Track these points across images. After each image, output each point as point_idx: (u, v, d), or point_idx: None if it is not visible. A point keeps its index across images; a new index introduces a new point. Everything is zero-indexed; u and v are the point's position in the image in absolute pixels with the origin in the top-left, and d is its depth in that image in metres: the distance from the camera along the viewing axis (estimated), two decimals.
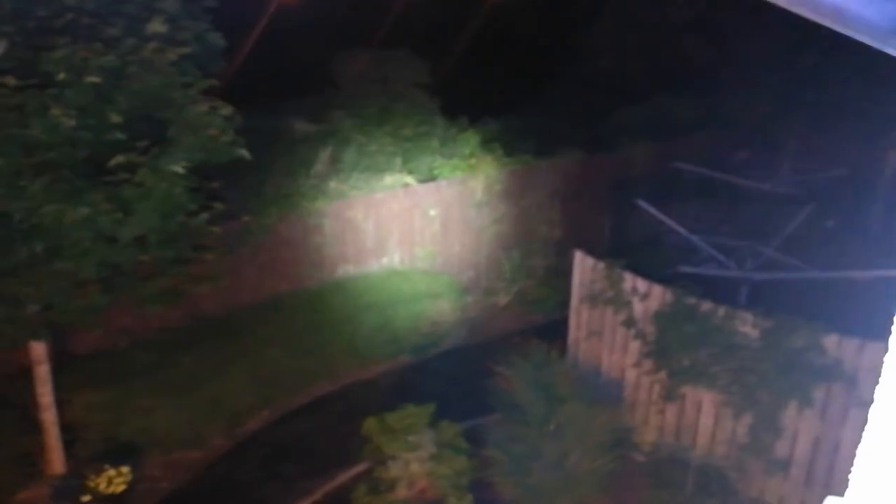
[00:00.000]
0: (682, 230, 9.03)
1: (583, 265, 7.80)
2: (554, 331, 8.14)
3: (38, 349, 6.60)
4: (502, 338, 9.15)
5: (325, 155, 10.59)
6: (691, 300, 6.83)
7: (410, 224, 10.90)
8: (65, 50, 6.16)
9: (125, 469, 6.40)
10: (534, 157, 11.70)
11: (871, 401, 1.24)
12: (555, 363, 7.20)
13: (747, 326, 6.52)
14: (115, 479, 6.29)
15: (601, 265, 7.58)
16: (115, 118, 6.31)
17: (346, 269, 10.37)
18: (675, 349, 6.84)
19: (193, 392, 7.69)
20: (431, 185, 11.02)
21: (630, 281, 7.32)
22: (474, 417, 7.23)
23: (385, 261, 10.74)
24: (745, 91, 13.00)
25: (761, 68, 13.00)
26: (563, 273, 8.51)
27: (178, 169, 6.38)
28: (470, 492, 6.40)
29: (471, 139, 11.43)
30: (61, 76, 6.07)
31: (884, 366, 1.21)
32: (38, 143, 5.91)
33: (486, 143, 11.48)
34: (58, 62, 6.11)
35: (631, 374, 7.50)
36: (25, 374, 6.69)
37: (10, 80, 5.82)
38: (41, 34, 6.23)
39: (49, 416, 6.64)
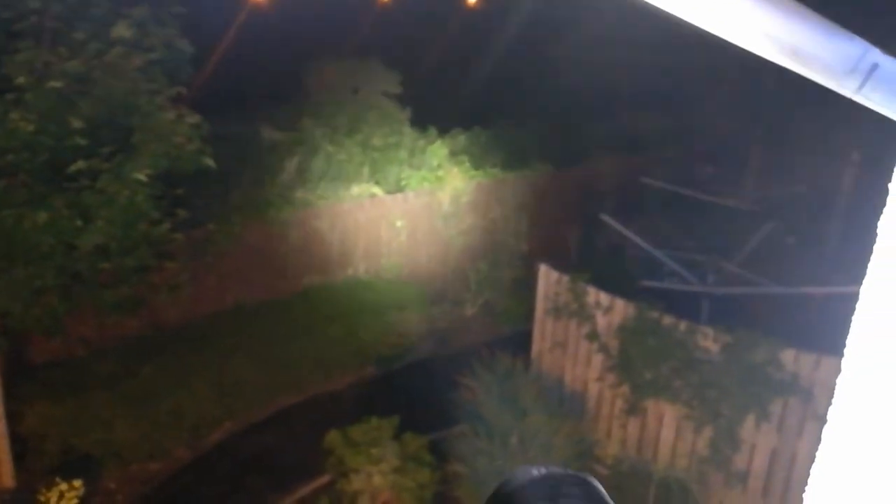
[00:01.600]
0: (645, 244, 9.15)
1: (547, 278, 7.86)
2: (520, 343, 8.18)
3: None
4: (469, 349, 9.15)
5: (292, 163, 10.55)
6: (654, 314, 6.91)
7: (377, 235, 10.88)
8: (27, 54, 6.07)
9: (77, 483, 6.24)
10: (502, 169, 11.78)
11: (826, 415, 1.28)
12: (519, 375, 7.23)
13: (708, 341, 6.63)
14: (66, 494, 6.14)
15: (565, 278, 7.65)
16: (77, 123, 6.23)
17: (312, 279, 10.31)
18: (637, 363, 6.92)
19: (154, 403, 7.56)
20: (399, 196, 11.02)
21: (593, 294, 7.39)
22: (439, 430, 7.22)
23: (351, 271, 10.70)
24: (710, 108, 13.27)
25: (725, 86, 13.28)
26: (529, 285, 8.56)
27: (142, 177, 6.31)
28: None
29: (439, 151, 11.47)
30: (21, 80, 5.97)
31: (837, 382, 1.26)
32: None
33: (455, 155, 11.53)
34: (19, 66, 6.01)
35: (594, 388, 7.56)
36: None
37: None
38: (2, 37, 6.13)
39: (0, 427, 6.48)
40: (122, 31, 6.60)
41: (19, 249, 5.83)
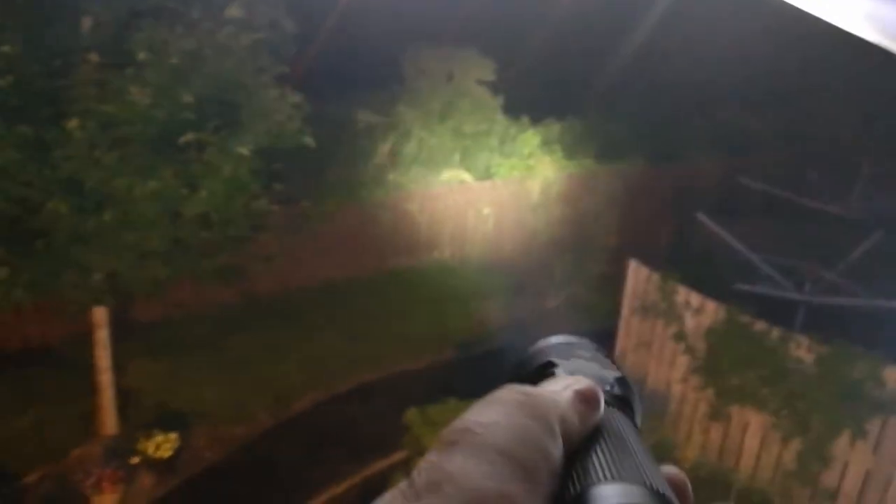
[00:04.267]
0: (740, 247, 8.83)
1: (637, 275, 7.71)
2: (602, 339, 8.05)
3: (100, 314, 6.87)
4: None
5: (386, 147, 10.72)
6: (745, 318, 6.68)
7: (464, 221, 10.93)
8: (147, 31, 6.39)
9: (173, 436, 6.62)
10: (594, 161, 11.59)
11: None
12: None
13: (802, 350, 6.35)
14: (163, 445, 6.52)
15: (655, 276, 7.48)
16: (188, 98, 6.52)
17: (399, 261, 10.47)
18: (724, 367, 6.71)
19: (243, 369, 7.90)
20: (487, 183, 11.03)
21: (683, 294, 7.20)
22: None
23: (437, 255, 10.80)
24: (820, 110, 12.61)
25: (840, 87, 12.57)
26: (615, 281, 8.42)
27: (245, 151, 6.56)
28: None
29: (531, 140, 11.39)
30: (142, 56, 6.30)
31: None
32: (114, 118, 6.15)
33: (546, 145, 11.42)
34: (139, 42, 6.34)
35: (677, 389, 7.38)
36: (88, 337, 6.97)
37: (94, 58, 6.07)
38: (126, 15, 6.47)
39: (105, 379, 6.91)
40: (234, 11, 6.86)
41: (130, 215, 6.18)
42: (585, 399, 0.40)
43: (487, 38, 12.56)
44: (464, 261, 10.87)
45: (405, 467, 6.69)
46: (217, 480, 6.98)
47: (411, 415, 6.68)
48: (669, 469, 0.41)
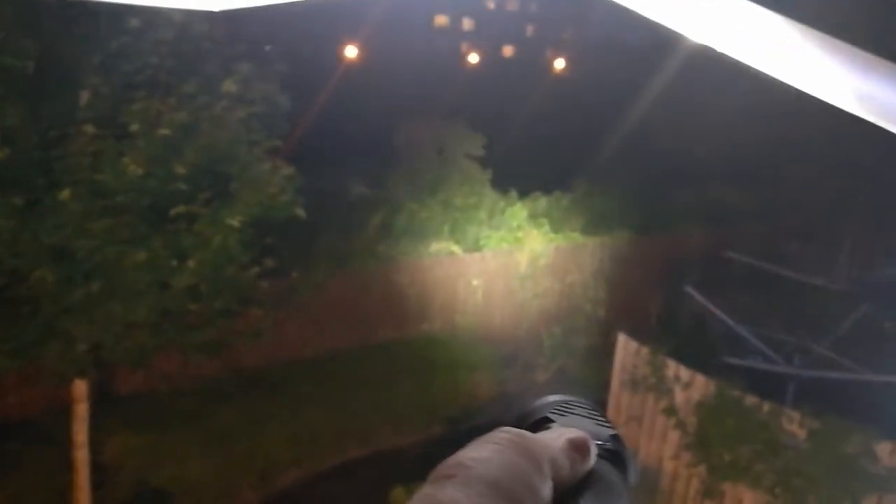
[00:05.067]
0: (729, 320, 8.85)
1: (626, 348, 7.69)
2: None
3: (80, 387, 6.73)
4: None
5: (376, 218, 10.81)
6: (735, 393, 6.64)
7: (454, 292, 10.93)
8: (142, 103, 6.51)
9: None
10: (582, 234, 11.71)
11: None
12: None
13: (794, 425, 6.30)
14: None
15: (644, 350, 7.46)
16: (181, 169, 6.59)
17: (388, 333, 10.40)
18: (716, 443, 6.62)
19: (227, 444, 7.71)
20: (477, 255, 11.10)
21: (673, 368, 7.17)
22: None
23: (426, 327, 10.75)
24: (801, 181, 12.88)
25: (820, 161, 12.88)
26: (605, 353, 8.39)
27: (235, 222, 6.59)
28: None
29: (519, 213, 11.54)
30: (135, 127, 6.39)
31: None
32: (107, 188, 6.18)
33: (534, 218, 11.57)
34: (134, 114, 6.44)
35: (669, 465, 7.26)
36: (67, 410, 6.81)
37: (90, 129, 6.15)
38: (123, 88, 6.60)
39: (81, 455, 6.70)
40: (229, 86, 7.02)
41: (118, 285, 6.14)
42: (576, 447, 0.41)
43: (476, 112, 12.88)
44: (453, 333, 10.82)
45: None
46: None
47: (397, 494, 6.52)
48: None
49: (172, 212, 6.43)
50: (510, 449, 0.39)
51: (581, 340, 10.68)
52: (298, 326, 9.56)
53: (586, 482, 0.41)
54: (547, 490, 0.38)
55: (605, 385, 8.13)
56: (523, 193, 11.98)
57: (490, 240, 11.32)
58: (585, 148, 14.19)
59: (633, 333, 7.79)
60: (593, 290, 11.21)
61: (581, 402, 0.51)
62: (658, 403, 7.25)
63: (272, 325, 8.17)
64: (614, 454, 0.45)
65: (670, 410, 7.09)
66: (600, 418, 0.50)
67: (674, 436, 7.14)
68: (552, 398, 0.51)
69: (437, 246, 11.00)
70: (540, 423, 0.49)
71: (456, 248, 11.16)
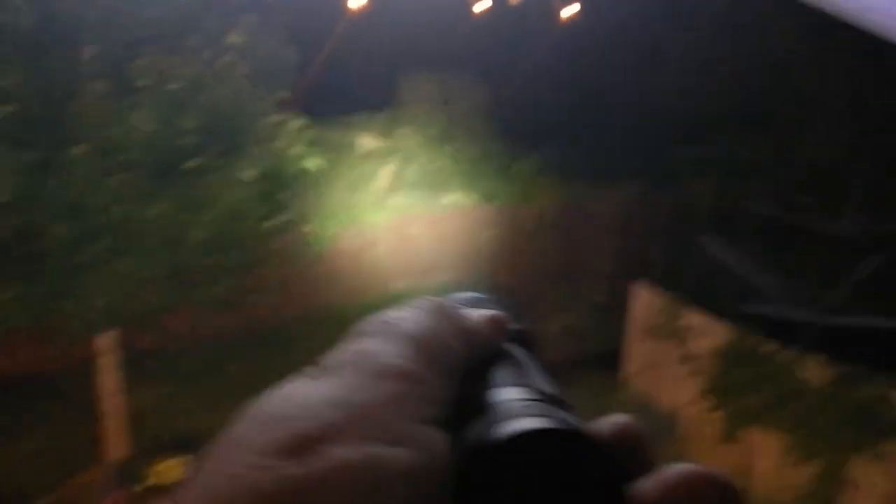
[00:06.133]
0: (744, 269, 8.81)
1: (641, 298, 7.67)
2: (606, 363, 8.00)
3: (103, 341, 6.76)
4: (552, 367, 9.02)
5: (387, 171, 10.71)
6: (752, 340, 6.63)
7: (463, 246, 10.90)
8: (147, 59, 6.39)
9: (179, 461, 6.50)
10: (590, 187, 11.60)
11: None
12: (607, 394, 7.07)
13: (811, 371, 6.30)
14: (169, 470, 6.40)
15: (660, 299, 7.44)
16: (189, 124, 6.50)
17: (398, 285, 10.40)
18: (734, 389, 6.64)
19: (245, 396, 7.77)
20: (486, 208, 11.02)
21: (690, 317, 7.16)
22: None
23: (436, 280, 10.74)
24: (814, 131, 12.69)
25: (831, 109, 12.66)
26: (613, 306, 8.38)
27: (246, 177, 6.52)
28: None
29: (527, 166, 11.41)
30: (141, 83, 6.29)
31: None
32: (117, 145, 6.11)
33: (543, 171, 11.44)
34: (140, 70, 6.33)
35: (687, 411, 7.30)
36: (92, 363, 6.87)
37: (96, 85, 6.05)
38: (126, 44, 6.47)
39: (113, 404, 6.79)
40: (234, 38, 6.88)
41: (130, 241, 6.11)
42: (494, 321, 0.43)
43: (482, 64, 12.65)
44: (463, 285, 10.82)
45: None
46: None
47: None
48: (616, 418, 0.40)
49: (183, 167, 6.36)
50: (431, 312, 0.40)
51: (592, 293, 10.67)
52: (311, 281, 9.55)
53: (499, 357, 0.42)
54: (463, 353, 0.39)
55: (616, 336, 8.13)
56: (532, 146, 11.83)
57: (500, 193, 11.22)
58: (595, 99, 13.96)
59: (649, 283, 7.76)
60: (603, 242, 11.16)
61: (495, 299, 0.52)
62: (675, 352, 7.26)
63: (283, 281, 8.18)
64: (524, 339, 0.47)
65: (688, 358, 7.10)
66: (512, 310, 0.51)
67: (692, 383, 7.16)
68: (465, 294, 0.52)
69: (447, 199, 10.92)
70: None
71: (465, 201, 11.08)
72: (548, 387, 0.39)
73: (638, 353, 7.72)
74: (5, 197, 5.83)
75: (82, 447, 6.93)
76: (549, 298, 10.64)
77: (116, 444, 6.86)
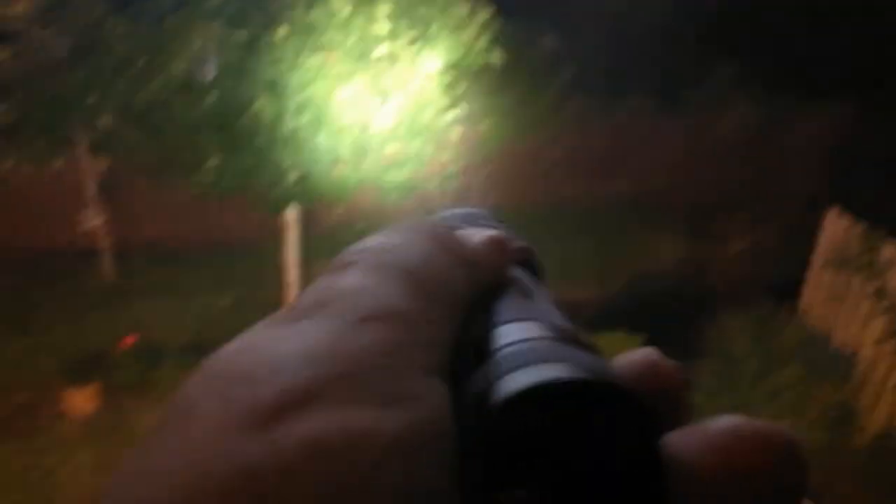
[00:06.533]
0: None
1: (836, 224, 7.07)
2: (781, 292, 7.53)
3: (291, 215, 7.35)
4: (730, 289, 8.65)
5: (565, 75, 10.42)
6: None
7: (642, 154, 10.51)
8: None
9: None
10: (795, 102, 10.63)
11: None
12: (782, 323, 6.72)
13: None
14: None
15: (858, 227, 6.82)
16: (383, 10, 6.65)
17: (573, 191, 10.30)
18: None
19: None
20: (672, 116, 10.48)
21: (891, 250, 6.52)
22: (683, 360, 6.98)
23: (615, 187, 10.50)
24: None
25: None
26: (803, 232, 7.79)
27: (435, 66, 6.63)
28: None
29: (723, 73, 10.64)
30: None
31: None
32: (318, 26, 6.41)
33: (742, 81, 10.61)
34: None
35: (869, 352, 6.77)
36: (280, 235, 7.52)
37: None
38: None
39: (293, 274, 7.45)
40: None
41: (325, 120, 6.48)
42: (496, 243, 0.36)
43: None
44: (644, 194, 10.46)
45: None
46: None
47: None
48: (643, 354, 0.33)
49: (376, 52, 6.56)
50: (425, 238, 0.33)
51: (785, 213, 9.94)
52: (485, 178, 9.70)
53: (503, 285, 0.36)
54: (464, 287, 0.32)
55: (804, 262, 7.60)
56: (730, 51, 10.93)
57: (687, 102, 10.60)
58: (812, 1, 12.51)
59: (846, 210, 7.12)
60: (807, 162, 10.29)
61: (489, 215, 0.48)
62: (866, 286, 6.69)
63: (461, 172, 8.35)
64: (527, 261, 0.42)
65: (881, 293, 6.52)
66: (511, 231, 0.45)
67: (879, 321, 6.60)
68: (458, 210, 0.47)
69: (628, 104, 10.51)
70: None
71: (649, 108, 10.60)
72: (562, 320, 0.33)
73: (822, 282, 7.20)
74: (213, 73, 6.37)
75: (266, 310, 7.68)
76: (734, 219, 10.08)
77: None
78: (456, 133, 7.48)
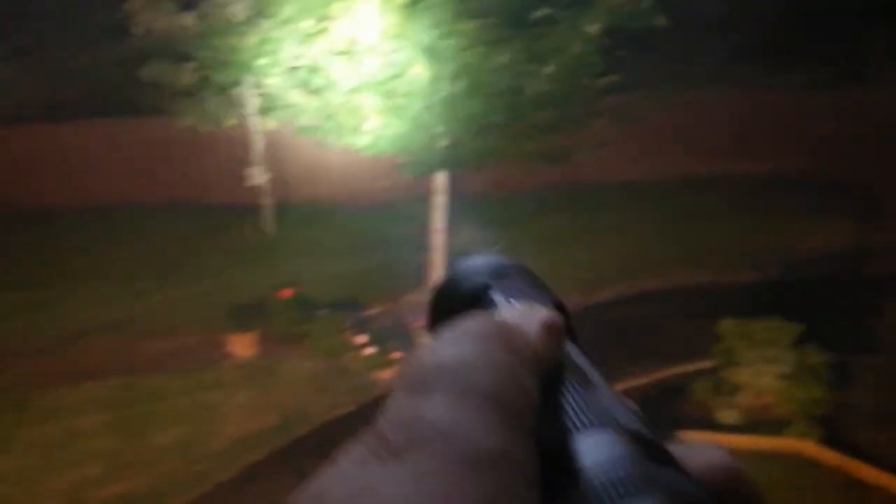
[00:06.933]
0: None
1: None
2: None
3: (440, 180, 7.43)
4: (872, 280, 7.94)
5: (728, 42, 9.81)
6: None
7: (793, 130, 9.75)
8: None
9: None
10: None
11: None
12: None
13: None
14: None
15: None
16: None
17: (720, 168, 9.76)
18: None
19: (556, 251, 8.09)
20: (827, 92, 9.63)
21: None
22: (843, 352, 6.49)
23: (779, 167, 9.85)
24: None
25: None
26: None
27: (594, 29, 6.43)
28: (818, 425, 5.90)
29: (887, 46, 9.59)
30: None
31: None
32: None
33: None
34: None
35: None
36: (427, 199, 7.64)
37: None
38: None
39: (438, 239, 7.57)
40: None
41: (479, 86, 6.47)
42: (553, 331, 0.34)
43: None
44: (803, 172, 9.76)
45: (710, 376, 6.44)
46: None
47: (727, 326, 6.35)
48: (711, 454, 0.32)
49: (534, 15, 6.45)
50: (494, 344, 0.31)
51: None
52: (637, 147, 9.37)
53: (560, 370, 0.34)
54: (538, 391, 0.31)
55: None
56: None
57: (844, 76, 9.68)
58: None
59: None
60: None
61: (512, 263, 0.44)
62: None
63: (612, 141, 8.11)
64: (568, 327, 0.38)
65: None
66: (538, 283, 0.43)
67: None
68: (481, 260, 0.44)
69: (790, 79, 9.75)
70: (481, 293, 0.42)
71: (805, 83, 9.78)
72: (629, 415, 0.32)
73: None
74: (373, 37, 6.50)
75: (411, 271, 7.86)
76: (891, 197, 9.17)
77: (436, 275, 7.65)
78: (610, 100, 7.26)
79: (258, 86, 7.28)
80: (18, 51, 7.36)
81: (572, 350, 0.37)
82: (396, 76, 6.51)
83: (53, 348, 6.87)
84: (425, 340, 0.33)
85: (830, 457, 5.69)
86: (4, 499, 5.15)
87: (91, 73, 7.49)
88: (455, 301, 0.42)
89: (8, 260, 8.17)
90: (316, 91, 6.73)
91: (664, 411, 6.14)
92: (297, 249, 8.33)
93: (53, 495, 5.17)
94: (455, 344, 0.32)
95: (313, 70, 6.69)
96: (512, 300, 0.40)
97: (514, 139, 7.03)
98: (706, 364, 6.71)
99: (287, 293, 7.22)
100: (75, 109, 8.68)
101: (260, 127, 8.25)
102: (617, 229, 8.41)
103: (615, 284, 8.13)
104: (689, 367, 6.96)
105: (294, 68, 6.75)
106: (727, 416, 6.17)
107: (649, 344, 7.33)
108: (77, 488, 5.22)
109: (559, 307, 0.40)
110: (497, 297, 0.41)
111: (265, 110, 7.53)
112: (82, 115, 8.82)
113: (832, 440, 5.81)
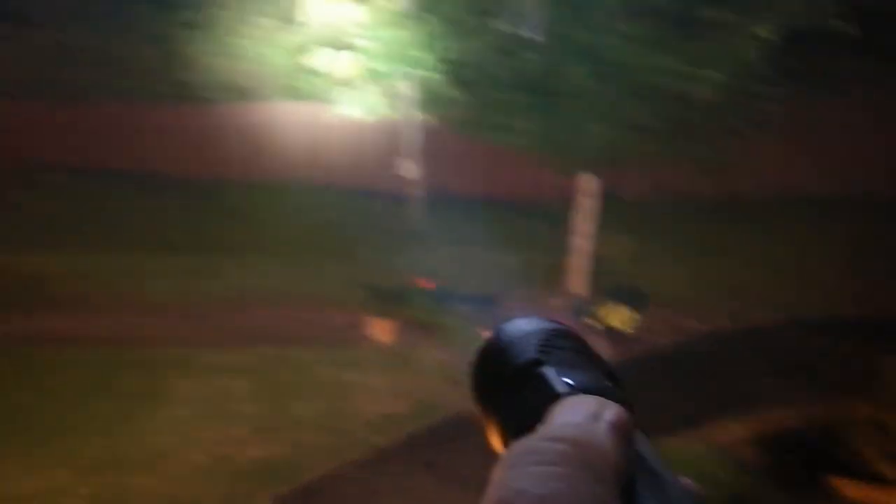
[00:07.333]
0: None
1: None
2: None
3: (589, 182, 7.27)
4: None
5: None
6: None
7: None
8: None
9: (635, 314, 6.78)
10: None
11: None
12: None
13: None
14: (625, 319, 6.73)
15: None
16: None
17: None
18: None
19: (705, 265, 7.68)
20: None
21: None
22: None
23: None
24: None
25: None
26: None
27: (765, 33, 6.03)
28: None
29: None
30: None
31: None
32: None
33: None
34: None
35: None
36: (572, 201, 7.49)
37: None
38: None
39: (583, 243, 7.39)
40: None
41: (637, 87, 6.25)
42: (621, 432, 0.36)
43: None
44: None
45: (868, 424, 5.80)
46: (664, 367, 6.91)
47: (891, 364, 5.75)
48: None
49: (699, 16, 6.13)
50: (575, 469, 0.33)
51: None
52: (800, 159, 8.68)
53: (634, 468, 0.35)
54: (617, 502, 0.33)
55: None
56: None
57: None
58: None
59: None
60: None
61: (560, 328, 0.44)
62: None
63: (776, 151, 7.59)
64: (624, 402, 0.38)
65: None
66: (587, 349, 0.43)
67: None
68: (528, 325, 0.44)
69: None
70: (530, 368, 0.42)
71: None
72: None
73: None
74: (541, 36, 6.43)
75: (550, 273, 7.70)
76: None
77: (576, 279, 7.48)
78: (776, 109, 6.76)
79: (416, 79, 7.44)
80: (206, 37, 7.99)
81: (644, 447, 0.38)
82: (552, 74, 6.44)
83: (214, 312, 7.41)
84: (504, 466, 0.34)
85: None
86: (160, 445, 5.61)
87: (262, 59, 7.99)
88: (506, 375, 0.43)
89: (180, 227, 8.92)
90: (471, 86, 6.79)
91: (818, 459, 5.67)
92: (441, 241, 8.47)
93: (201, 450, 5.57)
94: (538, 474, 0.33)
95: (470, 66, 6.75)
96: (564, 378, 0.40)
97: (672, 145, 6.74)
98: (864, 411, 6.10)
99: (427, 283, 7.36)
100: (248, 94, 9.30)
101: (415, 119, 8.46)
102: (772, 248, 7.83)
103: (765, 306, 7.57)
104: (843, 410, 6.36)
105: (452, 63, 6.85)
106: (892, 469, 5.60)
107: (804, 377, 6.73)
108: (223, 446, 5.60)
109: (611, 376, 0.41)
110: (549, 373, 0.41)
111: (421, 103, 7.70)
112: (253, 99, 9.48)
113: None
